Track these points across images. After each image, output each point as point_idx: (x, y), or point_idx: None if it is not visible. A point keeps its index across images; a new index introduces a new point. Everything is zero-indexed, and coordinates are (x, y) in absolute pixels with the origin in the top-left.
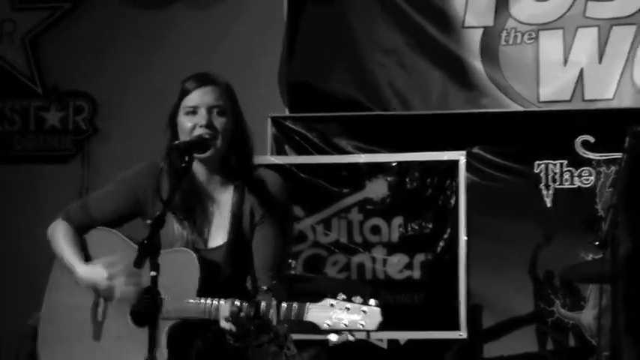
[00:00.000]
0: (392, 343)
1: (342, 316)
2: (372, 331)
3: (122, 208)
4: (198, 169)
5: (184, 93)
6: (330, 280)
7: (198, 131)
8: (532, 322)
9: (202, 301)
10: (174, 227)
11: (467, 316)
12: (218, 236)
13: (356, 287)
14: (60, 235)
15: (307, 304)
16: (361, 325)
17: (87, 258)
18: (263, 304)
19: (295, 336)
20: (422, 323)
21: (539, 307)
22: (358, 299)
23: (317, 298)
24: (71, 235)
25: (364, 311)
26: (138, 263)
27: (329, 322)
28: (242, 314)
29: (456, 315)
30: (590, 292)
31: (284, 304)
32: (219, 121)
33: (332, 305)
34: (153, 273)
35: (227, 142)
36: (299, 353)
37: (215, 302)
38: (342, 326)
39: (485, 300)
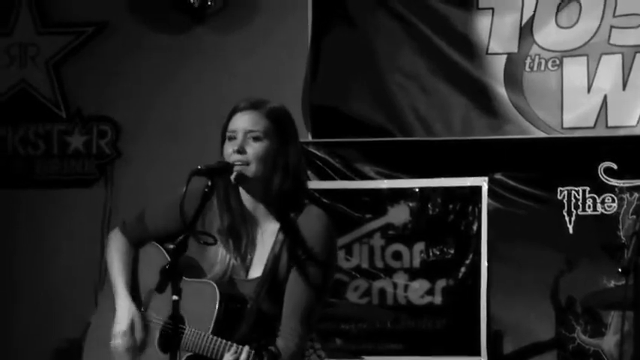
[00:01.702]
0: None
1: None
2: None
3: (175, 225)
4: (245, 195)
5: (229, 117)
6: (352, 305)
7: (233, 157)
8: (553, 348)
9: (217, 340)
10: (217, 251)
11: (488, 341)
12: (259, 268)
13: (377, 313)
14: (114, 252)
15: None
16: None
17: (134, 274)
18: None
19: None
20: (443, 349)
21: (561, 334)
22: None
23: (339, 322)
24: (123, 250)
25: None
26: (160, 288)
27: None
28: None
29: (477, 340)
30: (611, 318)
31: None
32: (253, 146)
33: None
34: (175, 297)
35: (267, 168)
36: None
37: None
38: None
39: (506, 326)
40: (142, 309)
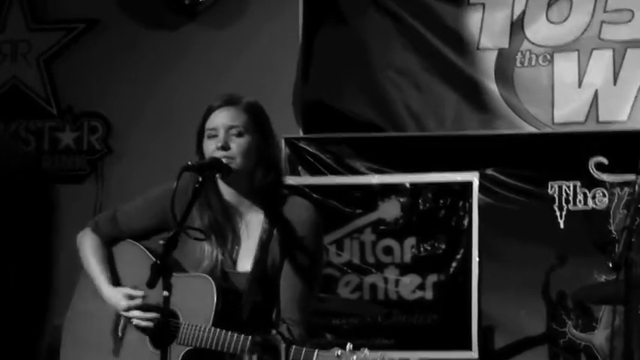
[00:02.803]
0: None
1: None
2: None
3: (149, 224)
4: (226, 190)
5: (206, 116)
6: (343, 300)
7: (217, 154)
8: (544, 343)
9: (223, 333)
10: (204, 247)
11: (479, 336)
12: (247, 260)
13: (368, 308)
14: (88, 248)
15: (316, 351)
16: None
17: (113, 271)
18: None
19: None
20: (434, 343)
21: (552, 328)
22: (366, 351)
23: (330, 317)
24: (99, 248)
25: None
26: (151, 284)
27: None
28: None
29: (468, 335)
30: (602, 313)
31: (293, 347)
32: (236, 142)
33: (338, 356)
34: (165, 293)
35: (251, 162)
36: None
37: (237, 336)
38: None
39: (497, 321)
40: None
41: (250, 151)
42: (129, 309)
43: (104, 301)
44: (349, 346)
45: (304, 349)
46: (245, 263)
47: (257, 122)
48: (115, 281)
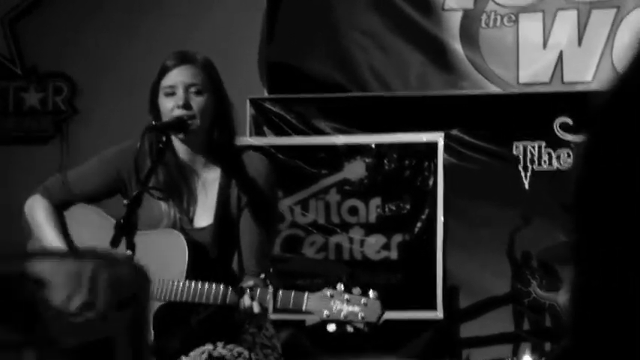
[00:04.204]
0: (369, 323)
1: (342, 307)
2: (372, 322)
3: (103, 186)
4: (181, 148)
5: (162, 73)
6: (308, 260)
7: (177, 112)
8: (509, 303)
9: (200, 284)
10: (160, 206)
11: (444, 296)
12: (204, 216)
13: (333, 268)
14: (40, 214)
15: (306, 293)
16: (362, 317)
17: (66, 236)
18: (258, 290)
19: (271, 316)
20: (399, 304)
21: (516, 288)
22: (357, 290)
23: (295, 278)
24: (51, 213)
25: (365, 303)
26: (114, 242)
27: (327, 313)
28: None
29: (433, 295)
30: (567, 273)
31: (281, 292)
32: (196, 101)
33: (331, 296)
34: (128, 252)
35: (208, 120)
36: (277, 334)
37: (217, 286)
38: (342, 318)
39: (462, 281)
40: None
41: (207, 109)
42: None
43: None
44: (340, 286)
45: (293, 293)
46: (203, 220)
47: (213, 80)
48: (69, 245)
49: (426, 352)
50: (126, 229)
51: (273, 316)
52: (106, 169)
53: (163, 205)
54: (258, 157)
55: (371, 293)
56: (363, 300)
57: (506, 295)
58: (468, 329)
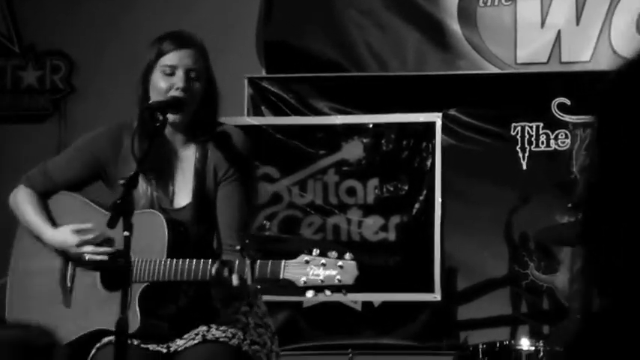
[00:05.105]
0: (366, 305)
1: (319, 272)
2: (349, 285)
3: (83, 172)
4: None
5: (162, 52)
6: (306, 241)
7: (174, 93)
8: (506, 285)
9: (181, 262)
10: (140, 185)
11: (441, 278)
12: (183, 195)
13: (331, 248)
14: (24, 201)
15: (282, 261)
16: (338, 280)
17: (52, 223)
18: (237, 262)
19: (268, 298)
20: (396, 285)
21: (514, 270)
22: (333, 254)
23: (293, 258)
24: (35, 200)
25: (340, 266)
26: (111, 223)
27: (305, 279)
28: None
29: (431, 277)
30: (564, 255)
31: (258, 262)
32: (195, 85)
33: (307, 262)
34: (126, 233)
35: (198, 104)
36: (273, 316)
37: (197, 262)
38: (319, 282)
39: (460, 262)
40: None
41: (199, 95)
42: (81, 243)
43: (47, 254)
44: (316, 250)
45: (270, 262)
46: (182, 199)
47: (208, 67)
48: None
49: (423, 334)
50: (123, 210)
51: (268, 297)
52: (82, 155)
53: (143, 184)
54: (235, 130)
55: (347, 255)
56: (340, 263)
57: (503, 277)
58: (466, 311)
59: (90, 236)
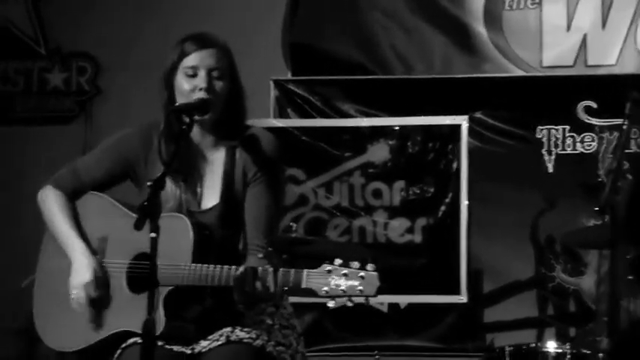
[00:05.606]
0: (392, 306)
1: (340, 282)
2: (371, 296)
3: (113, 171)
4: (193, 129)
5: (184, 54)
6: (332, 243)
7: (198, 94)
8: (533, 287)
9: (205, 267)
10: (168, 187)
11: (467, 280)
12: (211, 197)
13: (357, 251)
14: (53, 205)
15: (304, 271)
16: (359, 290)
17: (79, 227)
18: (259, 270)
19: (295, 299)
20: (423, 287)
21: (540, 272)
22: (355, 264)
23: (318, 261)
24: (63, 203)
25: (362, 277)
26: (138, 225)
27: (327, 289)
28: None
29: (457, 279)
30: (591, 257)
31: (281, 271)
32: (218, 85)
33: (329, 271)
34: (153, 235)
35: (224, 104)
36: (300, 317)
37: (221, 268)
38: (340, 292)
39: (486, 264)
40: (98, 257)
41: (224, 94)
42: (86, 297)
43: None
44: (337, 260)
45: (292, 271)
46: (210, 201)
47: (232, 66)
48: (82, 235)
49: (449, 336)
50: (150, 212)
51: (295, 299)
52: (111, 155)
53: (171, 186)
54: (264, 133)
55: (369, 266)
56: (361, 273)
57: (530, 280)
58: (492, 313)
59: (94, 295)
